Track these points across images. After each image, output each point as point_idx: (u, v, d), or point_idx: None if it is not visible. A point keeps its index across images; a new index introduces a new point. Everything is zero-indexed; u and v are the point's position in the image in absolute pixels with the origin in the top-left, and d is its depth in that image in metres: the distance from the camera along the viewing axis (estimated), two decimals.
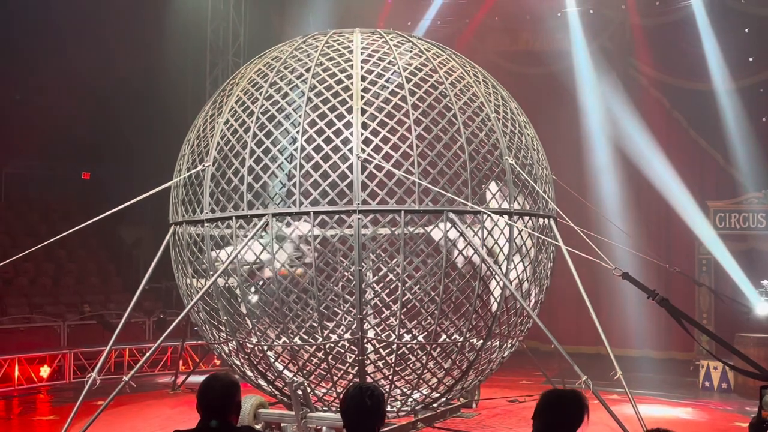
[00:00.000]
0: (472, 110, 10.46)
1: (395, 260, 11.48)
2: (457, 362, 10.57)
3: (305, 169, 9.88)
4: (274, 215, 9.97)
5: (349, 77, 10.16)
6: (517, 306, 10.64)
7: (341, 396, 4.15)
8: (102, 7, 20.60)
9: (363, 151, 9.81)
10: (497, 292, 10.35)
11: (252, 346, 10.49)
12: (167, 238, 11.11)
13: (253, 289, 10.91)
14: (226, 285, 10.46)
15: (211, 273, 10.19)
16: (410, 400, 10.75)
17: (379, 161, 9.82)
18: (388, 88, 10.36)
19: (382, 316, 11.45)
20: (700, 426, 12.39)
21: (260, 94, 10.32)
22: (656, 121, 18.64)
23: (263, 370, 10.63)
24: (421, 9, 20.81)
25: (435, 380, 10.67)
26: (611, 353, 10.11)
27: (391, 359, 10.34)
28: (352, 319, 10.94)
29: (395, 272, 11.31)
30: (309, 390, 10.40)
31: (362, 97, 10.06)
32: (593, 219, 14.21)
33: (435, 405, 11.10)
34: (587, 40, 19.34)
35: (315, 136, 9.94)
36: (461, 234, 10.02)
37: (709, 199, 17.52)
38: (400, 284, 10.10)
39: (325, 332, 10.26)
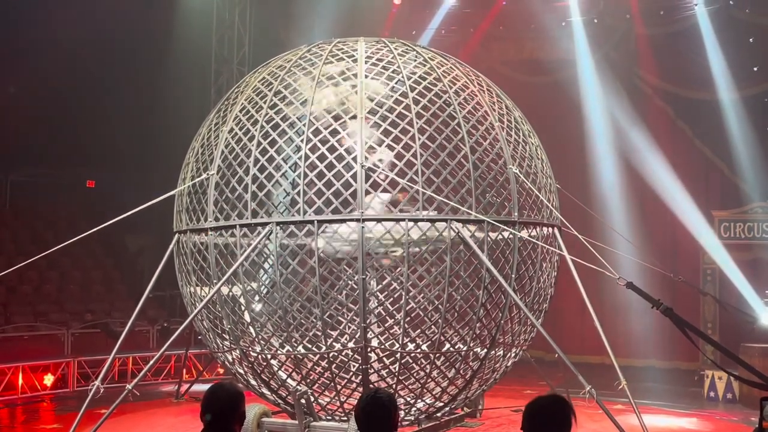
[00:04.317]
0: (476, 119, 10.47)
1: (399, 269, 11.48)
2: (461, 371, 10.55)
3: (309, 178, 9.89)
4: (277, 224, 9.97)
5: (354, 86, 10.18)
6: (521, 315, 10.62)
7: (356, 402, 4.19)
8: (108, 14, 20.65)
9: (367, 159, 9.81)
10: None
11: (256, 354, 10.48)
12: (171, 246, 11.12)
13: (257, 298, 10.92)
14: (230, 293, 10.45)
15: (215, 281, 10.19)
16: (414, 409, 10.72)
17: (383, 170, 9.82)
18: (392, 96, 10.37)
19: (386, 325, 11.43)
20: None
21: (264, 102, 10.34)
22: (661, 130, 18.62)
23: (267, 378, 10.62)
24: (426, 18, 20.85)
25: (439, 389, 10.65)
26: (615, 363, 10.10)
27: (394, 368, 10.32)
28: (355, 328, 10.92)
29: (399, 281, 11.31)
30: (312, 399, 10.38)
31: (366, 106, 10.07)
32: (597, 228, 14.19)
33: (439, 414, 11.07)
34: (592, 50, 19.36)
35: (319, 144, 9.95)
36: (465, 242, 10.01)
37: (714, 208, 17.48)
38: (403, 293, 10.08)
39: (329, 341, 10.25)
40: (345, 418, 10.38)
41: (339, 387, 10.29)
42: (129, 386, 10.24)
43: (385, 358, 10.65)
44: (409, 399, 10.67)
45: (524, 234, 10.53)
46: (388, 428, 4.10)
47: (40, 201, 22.49)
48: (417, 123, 9.97)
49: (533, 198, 10.67)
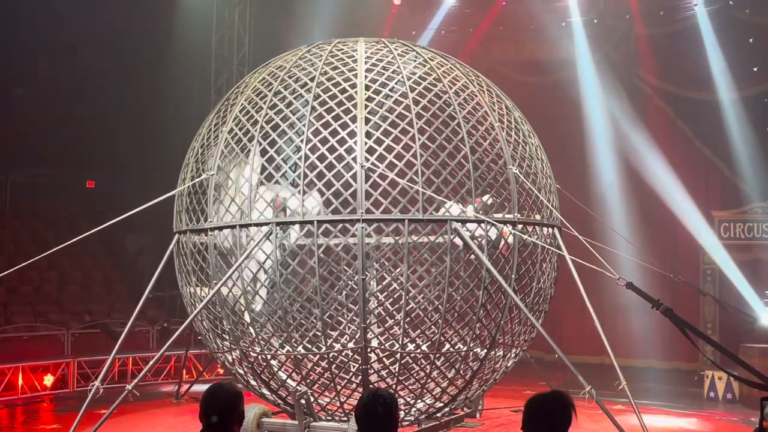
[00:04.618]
0: (476, 119, 10.47)
1: (399, 269, 11.48)
2: (461, 372, 10.55)
3: (309, 178, 9.89)
4: (277, 224, 9.97)
5: (353, 86, 10.18)
6: (521, 316, 10.62)
7: (357, 401, 4.18)
8: (108, 14, 20.65)
9: (367, 159, 9.81)
10: None
11: (255, 354, 10.48)
12: (171, 246, 11.11)
13: (257, 298, 10.91)
14: (230, 294, 10.45)
15: (215, 282, 10.19)
16: (414, 409, 10.72)
17: (383, 170, 9.82)
18: (392, 97, 10.37)
19: (386, 326, 11.43)
20: None
21: (264, 103, 10.34)
22: (661, 130, 18.62)
23: (267, 379, 10.61)
24: (426, 18, 20.85)
25: (438, 390, 10.64)
26: (615, 363, 10.09)
27: (394, 369, 10.32)
28: (355, 328, 10.92)
29: (399, 281, 11.31)
30: (312, 399, 10.38)
31: (366, 106, 10.07)
32: (598, 228, 14.19)
33: (438, 415, 11.07)
34: (592, 50, 19.36)
35: (319, 145, 9.95)
36: (465, 243, 10.01)
37: (714, 208, 17.49)
38: (403, 293, 10.07)
39: (329, 341, 10.25)
40: (345, 419, 10.38)
41: (339, 387, 10.29)
42: (129, 386, 10.23)
43: (385, 359, 10.66)
44: (409, 399, 10.66)
45: (524, 234, 10.52)
46: (388, 427, 4.09)
47: (40, 201, 22.47)
48: (417, 123, 9.97)
49: (533, 198, 10.67)
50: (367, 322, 10.13)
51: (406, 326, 10.27)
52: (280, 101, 10.36)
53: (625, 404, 11.07)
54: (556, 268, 11.35)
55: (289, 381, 10.70)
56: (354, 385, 10.48)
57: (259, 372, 10.58)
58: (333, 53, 10.69)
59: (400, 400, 10.49)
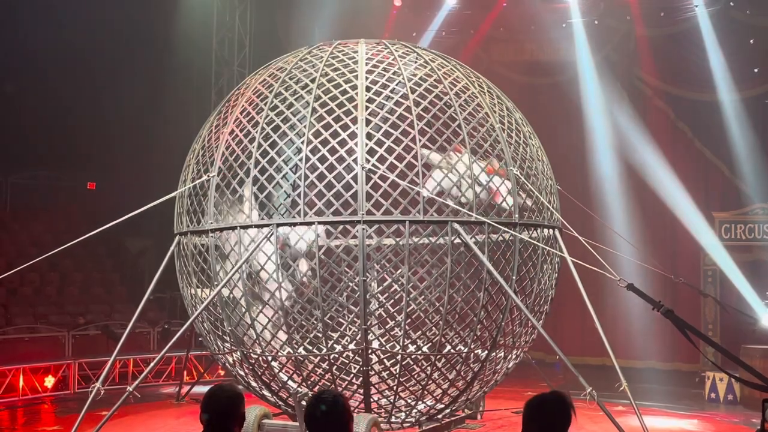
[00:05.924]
0: (477, 120, 10.47)
1: (400, 271, 11.47)
2: (462, 373, 10.54)
3: (310, 180, 9.89)
4: (278, 225, 9.97)
5: (354, 88, 10.19)
6: (522, 317, 10.62)
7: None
8: (109, 16, 20.67)
9: (367, 161, 9.81)
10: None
11: (256, 356, 10.48)
12: (172, 248, 11.12)
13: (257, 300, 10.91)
14: (230, 295, 10.45)
15: (216, 283, 10.19)
16: (414, 411, 10.71)
17: (383, 171, 9.83)
18: (392, 98, 10.37)
19: (387, 327, 11.43)
20: None
21: (265, 104, 10.35)
22: (661, 131, 18.62)
23: (267, 380, 10.61)
24: (426, 20, 20.84)
25: (439, 391, 10.64)
26: (616, 364, 10.10)
27: (395, 370, 10.31)
28: (356, 330, 10.92)
29: (400, 283, 11.30)
30: None
31: (367, 108, 10.07)
32: (598, 230, 14.19)
33: (439, 416, 11.07)
34: (592, 51, 19.34)
35: (320, 146, 9.95)
36: (465, 243, 10.01)
37: (715, 209, 17.49)
38: (404, 295, 10.08)
39: (330, 343, 10.25)
40: None
41: (340, 389, 10.29)
42: (130, 388, 10.24)
43: (386, 360, 10.66)
44: (410, 401, 10.66)
45: (525, 236, 10.52)
46: (332, 430, 3.95)
47: (40, 203, 22.47)
48: (418, 125, 9.97)
49: (534, 199, 10.67)
50: (368, 323, 10.13)
51: (407, 328, 10.26)
52: (281, 102, 10.36)
53: (626, 405, 11.08)
54: (557, 270, 11.35)
55: (290, 382, 10.70)
56: (355, 387, 10.47)
57: (260, 373, 10.58)
58: (334, 54, 10.70)
59: (401, 402, 10.49)
